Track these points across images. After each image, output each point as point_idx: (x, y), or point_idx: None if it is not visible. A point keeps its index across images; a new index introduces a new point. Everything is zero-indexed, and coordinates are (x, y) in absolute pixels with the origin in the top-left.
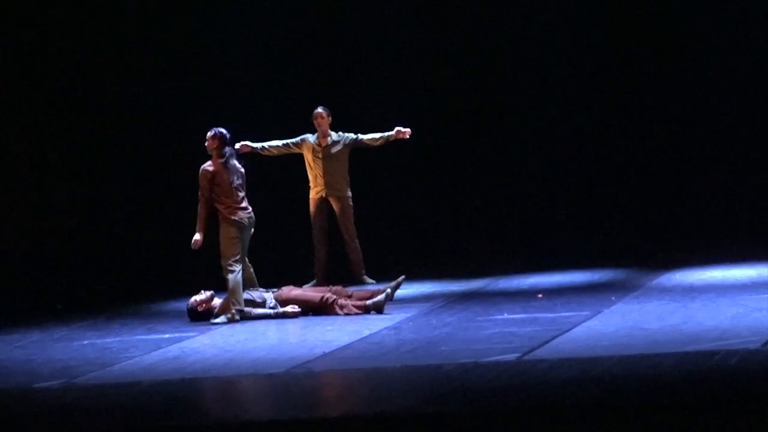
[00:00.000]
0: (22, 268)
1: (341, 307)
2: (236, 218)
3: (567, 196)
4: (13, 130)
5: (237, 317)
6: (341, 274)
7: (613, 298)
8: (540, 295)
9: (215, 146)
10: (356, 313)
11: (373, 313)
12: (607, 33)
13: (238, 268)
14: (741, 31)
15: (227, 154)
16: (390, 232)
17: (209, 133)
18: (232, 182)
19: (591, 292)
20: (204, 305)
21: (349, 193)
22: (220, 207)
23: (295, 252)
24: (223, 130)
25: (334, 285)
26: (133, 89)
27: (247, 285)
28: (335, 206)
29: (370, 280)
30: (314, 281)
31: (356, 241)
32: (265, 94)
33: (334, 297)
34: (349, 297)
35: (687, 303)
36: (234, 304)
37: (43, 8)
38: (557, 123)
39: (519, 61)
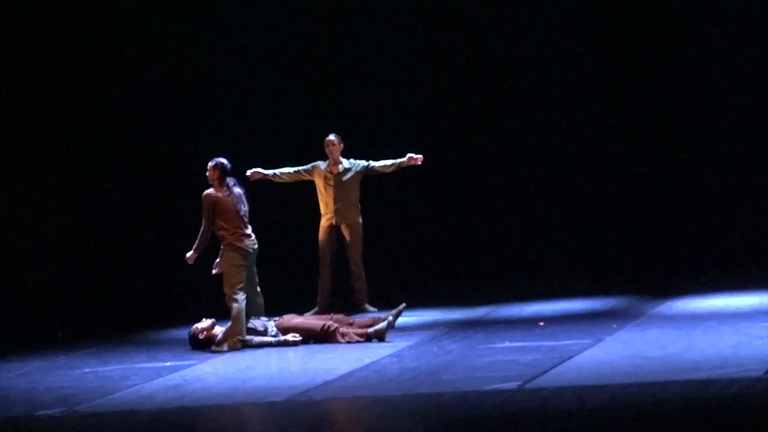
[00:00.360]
0: (23, 296)
1: (343, 335)
2: (242, 246)
3: (569, 223)
4: (13, 158)
5: (239, 346)
6: (342, 302)
7: (614, 326)
8: (541, 323)
9: (216, 176)
10: (358, 341)
11: (375, 341)
12: (610, 54)
13: (242, 296)
14: (750, 53)
15: (231, 184)
16: (392, 259)
17: (210, 164)
18: (239, 210)
19: (592, 319)
20: (205, 333)
21: (360, 221)
22: (224, 234)
23: (302, 280)
24: (224, 160)
25: (335, 313)
26: (136, 111)
27: (254, 313)
28: (346, 234)
29: (372, 309)
30: (315, 309)
31: (362, 270)
32: (271, 114)
33: (336, 325)
34: (351, 325)
35: (689, 331)
36: (236, 333)
37: (52, 24)
38: (559, 150)
39: (517, 89)
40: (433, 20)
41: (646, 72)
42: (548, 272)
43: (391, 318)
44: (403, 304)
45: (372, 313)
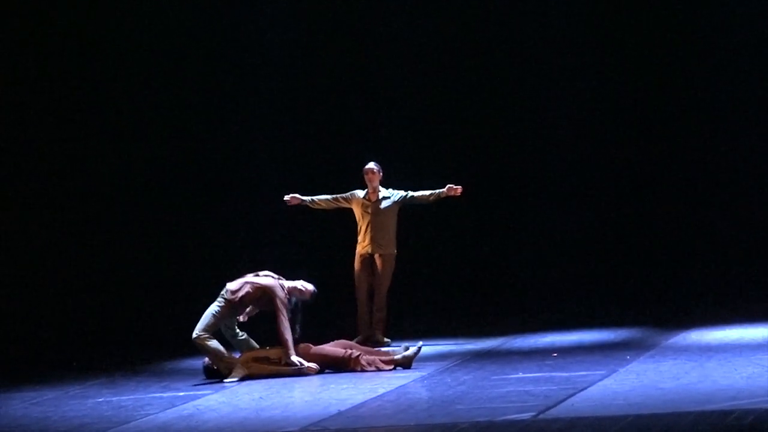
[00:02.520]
0: (37, 325)
1: (369, 362)
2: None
3: (583, 254)
4: (28, 189)
5: (245, 371)
6: (354, 328)
7: (628, 357)
8: (555, 354)
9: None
10: (383, 369)
11: (396, 370)
12: (632, 90)
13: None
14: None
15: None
16: (406, 290)
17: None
18: (262, 300)
19: (606, 351)
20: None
21: (395, 251)
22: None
23: (338, 307)
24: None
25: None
26: (153, 136)
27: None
28: (378, 263)
29: (386, 340)
30: (359, 337)
31: (386, 303)
32: (309, 140)
33: (359, 352)
34: (370, 353)
35: (702, 362)
36: (234, 362)
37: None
38: (573, 182)
39: (535, 122)
40: (467, 52)
41: (662, 101)
42: (562, 303)
43: (417, 348)
44: (420, 343)
45: (386, 345)
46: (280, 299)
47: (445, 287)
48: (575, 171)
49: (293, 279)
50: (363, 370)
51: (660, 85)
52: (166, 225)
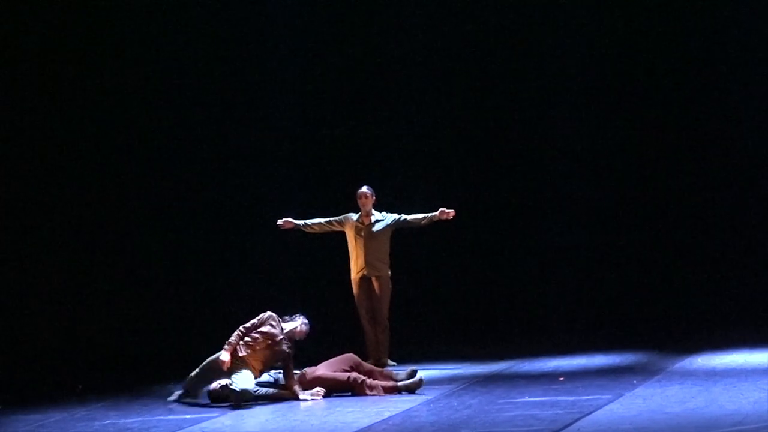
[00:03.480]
0: (43, 349)
1: (370, 387)
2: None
3: (589, 279)
4: (33, 214)
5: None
6: (363, 351)
7: (634, 381)
8: (561, 378)
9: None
10: (385, 394)
11: (404, 393)
12: (640, 112)
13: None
14: None
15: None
16: (412, 313)
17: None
18: (271, 359)
19: (612, 375)
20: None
21: (389, 273)
22: (242, 354)
23: (341, 332)
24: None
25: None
26: (154, 154)
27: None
28: (375, 285)
29: (392, 363)
30: (370, 360)
31: (387, 323)
32: (303, 165)
33: (362, 378)
34: (374, 375)
35: (709, 387)
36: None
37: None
38: (578, 205)
39: (535, 141)
40: (460, 75)
41: (664, 123)
42: (569, 327)
43: (419, 378)
44: (420, 378)
45: (391, 367)
46: (287, 354)
47: (451, 310)
48: (581, 194)
49: (290, 315)
50: (366, 394)
51: (665, 108)
52: (168, 249)
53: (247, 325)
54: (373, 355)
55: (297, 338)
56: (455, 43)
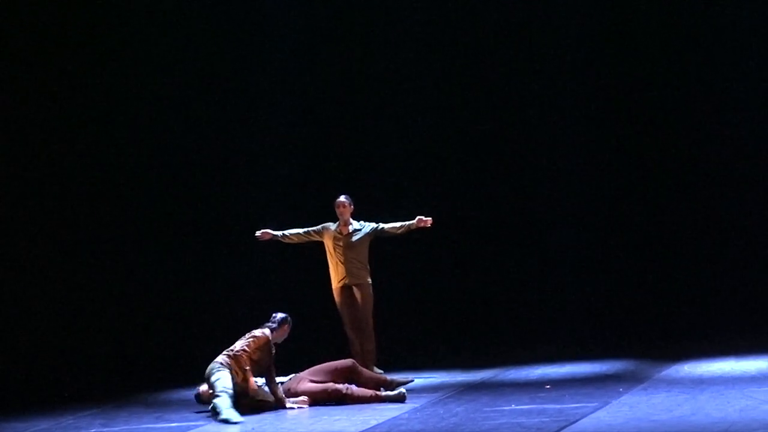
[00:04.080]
0: (28, 356)
1: (352, 397)
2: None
3: (575, 287)
4: (21, 215)
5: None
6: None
7: (621, 389)
8: (548, 386)
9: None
10: (368, 402)
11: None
12: (632, 119)
13: None
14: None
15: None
16: (398, 321)
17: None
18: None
19: (599, 383)
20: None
21: (370, 281)
22: (246, 375)
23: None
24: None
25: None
26: (143, 160)
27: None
28: (357, 294)
29: (378, 370)
30: None
31: (372, 331)
32: (281, 175)
33: (340, 387)
34: (359, 380)
35: (695, 395)
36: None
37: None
38: (563, 215)
39: (528, 147)
40: (445, 76)
41: (655, 133)
42: (555, 335)
43: (403, 390)
44: (403, 391)
45: (381, 372)
46: (272, 356)
47: (437, 319)
48: (566, 202)
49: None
50: (346, 404)
51: (660, 111)
52: (155, 257)
53: (247, 350)
54: (359, 363)
55: (282, 337)
56: (450, 46)
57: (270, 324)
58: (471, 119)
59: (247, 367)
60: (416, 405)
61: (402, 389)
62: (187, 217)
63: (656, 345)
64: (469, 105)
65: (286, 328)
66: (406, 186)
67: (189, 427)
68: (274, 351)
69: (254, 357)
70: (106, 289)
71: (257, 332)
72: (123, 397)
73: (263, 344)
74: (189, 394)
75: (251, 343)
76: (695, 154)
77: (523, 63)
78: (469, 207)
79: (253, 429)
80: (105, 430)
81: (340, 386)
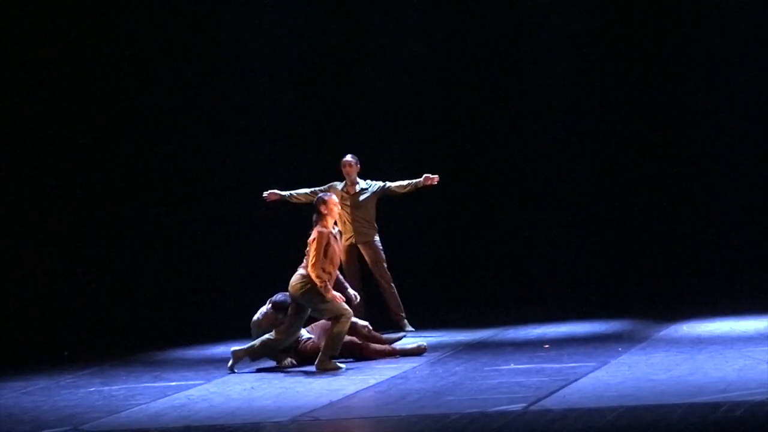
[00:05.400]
0: (28, 315)
1: (369, 350)
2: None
3: (574, 246)
4: (25, 193)
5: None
6: (379, 319)
7: (620, 349)
8: (547, 346)
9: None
10: (386, 357)
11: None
12: (621, 89)
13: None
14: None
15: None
16: (398, 282)
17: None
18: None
19: (598, 343)
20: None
21: (377, 238)
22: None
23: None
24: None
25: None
26: (142, 131)
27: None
28: (365, 253)
29: (409, 327)
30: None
31: (392, 284)
32: (287, 136)
33: (363, 342)
34: (369, 336)
35: (694, 354)
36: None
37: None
38: (564, 173)
39: (526, 113)
40: (445, 40)
41: (652, 99)
42: (554, 295)
43: (424, 344)
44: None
45: (410, 332)
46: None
47: (436, 279)
48: (566, 162)
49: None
50: (366, 357)
51: (652, 87)
52: (151, 217)
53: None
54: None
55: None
56: (447, 21)
57: (314, 222)
58: (463, 84)
59: (321, 280)
60: (415, 364)
61: (423, 342)
62: (188, 179)
63: (655, 305)
64: (466, 70)
65: (326, 206)
66: (400, 151)
67: (187, 386)
68: (338, 240)
69: (325, 267)
70: (105, 249)
71: (310, 240)
72: (122, 357)
73: (321, 240)
74: (187, 354)
75: (311, 251)
76: (693, 115)
77: (518, 34)
78: (463, 167)
79: (252, 387)
80: (104, 388)
81: (357, 340)
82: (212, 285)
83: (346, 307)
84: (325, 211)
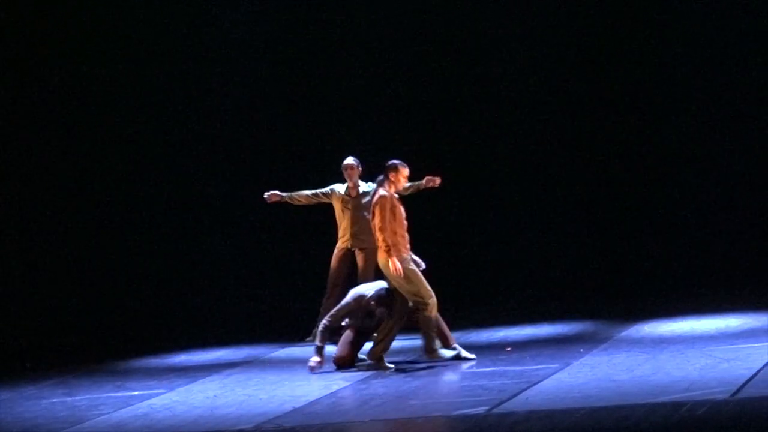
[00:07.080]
0: None
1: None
2: (407, 255)
3: (535, 248)
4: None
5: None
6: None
7: (581, 350)
8: (509, 348)
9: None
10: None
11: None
12: (604, 96)
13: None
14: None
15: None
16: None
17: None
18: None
19: (560, 344)
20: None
21: (376, 246)
22: (393, 239)
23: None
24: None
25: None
26: (140, 129)
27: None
28: (359, 259)
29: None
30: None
31: None
32: (289, 137)
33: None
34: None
35: (655, 354)
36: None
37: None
38: (525, 178)
39: (508, 119)
40: (445, 40)
41: (614, 100)
42: (515, 298)
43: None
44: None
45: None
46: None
47: None
48: (529, 164)
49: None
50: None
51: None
52: (110, 226)
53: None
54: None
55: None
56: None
57: (377, 184)
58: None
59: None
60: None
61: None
62: (159, 189)
63: (616, 306)
64: (467, 70)
65: (396, 174)
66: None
67: (150, 395)
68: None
69: (396, 229)
70: (65, 259)
71: (372, 202)
72: (85, 367)
73: (385, 204)
74: (151, 362)
75: (375, 214)
76: (653, 115)
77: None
78: (428, 168)
79: (215, 396)
80: (67, 399)
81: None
82: (174, 294)
83: (428, 288)
84: (393, 178)
